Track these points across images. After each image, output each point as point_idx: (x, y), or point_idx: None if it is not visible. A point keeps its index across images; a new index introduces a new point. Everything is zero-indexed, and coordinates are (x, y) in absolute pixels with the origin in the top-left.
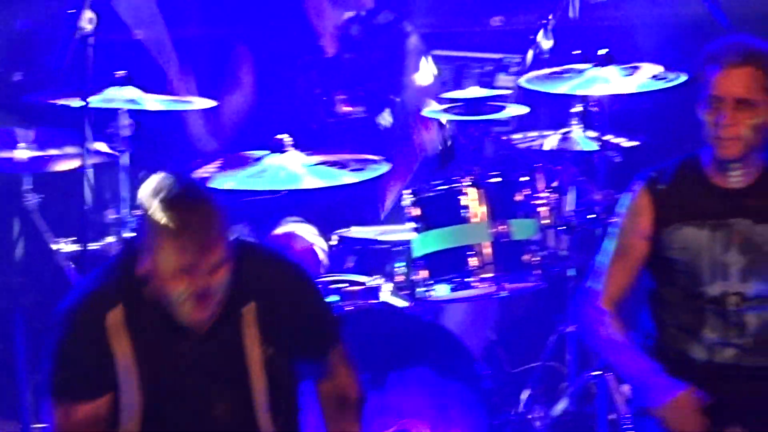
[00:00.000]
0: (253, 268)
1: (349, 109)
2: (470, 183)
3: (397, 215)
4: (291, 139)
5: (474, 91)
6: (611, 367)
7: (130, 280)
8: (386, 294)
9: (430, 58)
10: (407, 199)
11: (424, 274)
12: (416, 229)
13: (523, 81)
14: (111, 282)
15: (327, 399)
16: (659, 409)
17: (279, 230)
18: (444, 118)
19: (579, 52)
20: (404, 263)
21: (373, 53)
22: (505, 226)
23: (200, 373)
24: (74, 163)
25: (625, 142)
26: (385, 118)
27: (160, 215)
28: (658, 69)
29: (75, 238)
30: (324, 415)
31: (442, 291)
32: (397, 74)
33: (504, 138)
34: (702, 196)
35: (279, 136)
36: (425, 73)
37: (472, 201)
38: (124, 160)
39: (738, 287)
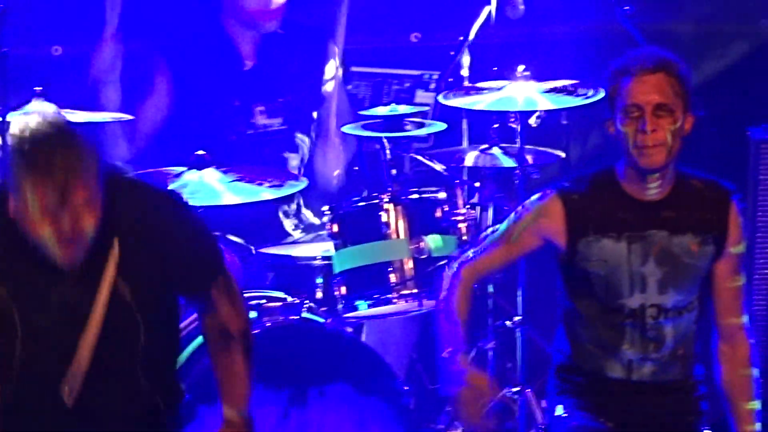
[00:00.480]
0: (124, 203)
1: (268, 120)
2: (389, 200)
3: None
4: (208, 155)
5: (393, 108)
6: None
7: (2, 219)
8: (306, 310)
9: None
10: (326, 215)
11: (343, 290)
12: (336, 246)
13: (441, 97)
14: None
15: (211, 333)
16: (452, 399)
17: None
18: (363, 134)
19: (497, 68)
20: (324, 279)
21: (292, 66)
22: (425, 243)
23: (73, 313)
24: None
25: (543, 159)
26: (302, 139)
27: (22, 155)
28: (575, 85)
29: None
30: (209, 350)
31: (362, 307)
32: (315, 88)
33: (423, 154)
34: (618, 209)
35: (198, 153)
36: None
37: (392, 217)
38: None
39: (656, 299)
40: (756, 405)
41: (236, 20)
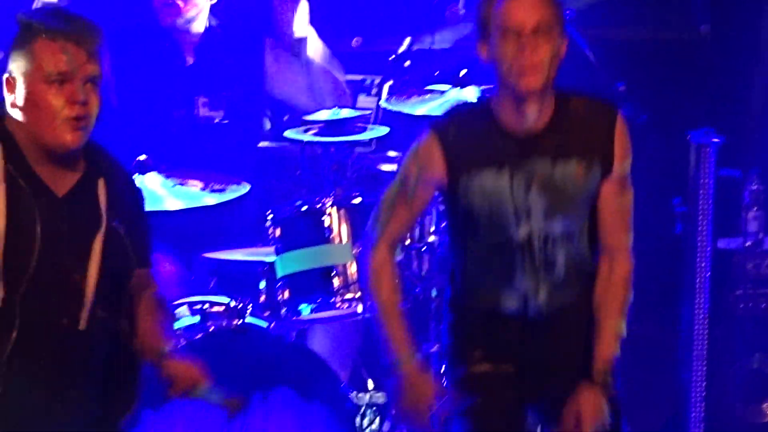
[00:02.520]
0: (105, 155)
1: (210, 113)
2: (332, 204)
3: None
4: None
5: (335, 112)
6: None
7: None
8: (248, 314)
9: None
10: (269, 220)
11: (287, 294)
12: (278, 250)
13: (383, 102)
14: None
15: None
16: (396, 402)
17: None
18: (305, 138)
19: (438, 72)
20: (267, 284)
21: (230, 61)
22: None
23: (60, 236)
24: None
25: None
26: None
27: (44, 24)
28: None
29: None
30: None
31: (305, 311)
32: (256, 83)
33: (365, 158)
34: (497, 141)
35: (140, 158)
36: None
37: (334, 221)
38: None
39: (543, 226)
40: (621, 327)
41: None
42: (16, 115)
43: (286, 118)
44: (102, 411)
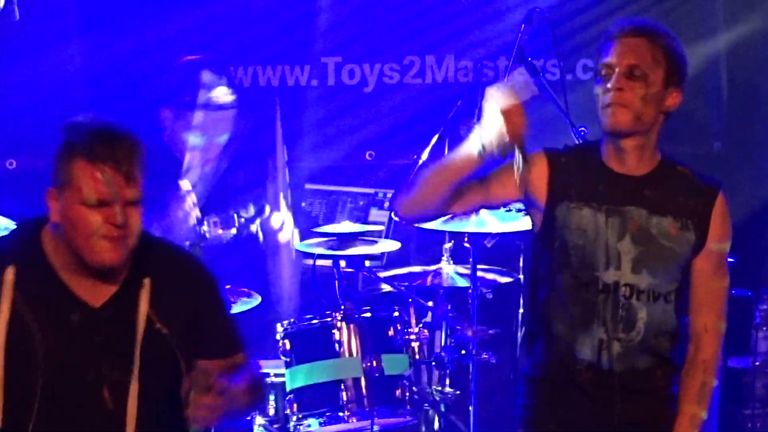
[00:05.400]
0: (156, 249)
1: (222, 231)
2: (342, 318)
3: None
4: None
5: (346, 226)
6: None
7: (27, 243)
8: (259, 426)
9: None
10: (280, 332)
11: (296, 407)
12: (288, 363)
13: (395, 216)
14: (6, 243)
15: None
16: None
17: None
18: (317, 251)
19: None
20: (276, 396)
21: (236, 181)
22: (377, 361)
23: (91, 346)
24: None
25: (497, 279)
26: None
27: (83, 145)
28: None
29: None
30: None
31: (314, 425)
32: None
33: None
34: (599, 180)
35: None
36: None
37: (344, 336)
38: None
39: (630, 278)
40: (698, 413)
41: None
42: (58, 248)
43: None
44: None
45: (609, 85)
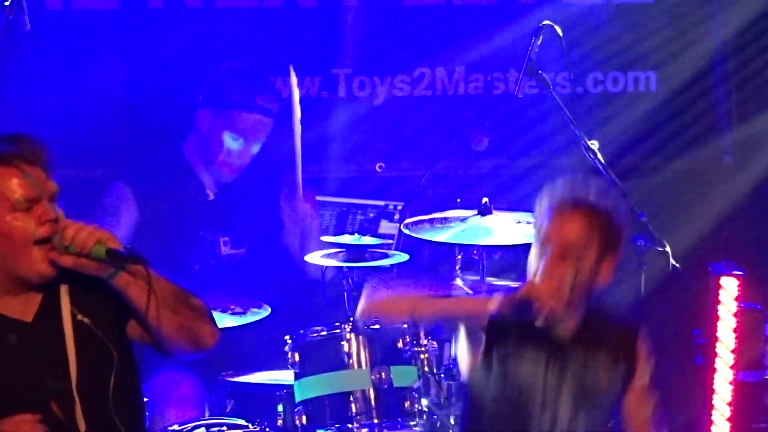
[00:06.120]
0: None
1: (232, 251)
2: (351, 329)
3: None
4: None
5: (356, 238)
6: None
7: None
8: None
9: None
10: (288, 344)
11: (304, 419)
12: (297, 375)
13: (405, 228)
14: None
15: None
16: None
17: None
18: (327, 263)
19: (460, 200)
20: (285, 408)
21: (251, 196)
22: (386, 373)
23: (31, 363)
24: None
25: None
26: None
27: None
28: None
29: None
30: None
31: None
32: (275, 216)
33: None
34: (537, 330)
35: None
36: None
37: (353, 347)
38: None
39: (567, 423)
40: None
41: (200, 160)
42: None
43: None
44: None
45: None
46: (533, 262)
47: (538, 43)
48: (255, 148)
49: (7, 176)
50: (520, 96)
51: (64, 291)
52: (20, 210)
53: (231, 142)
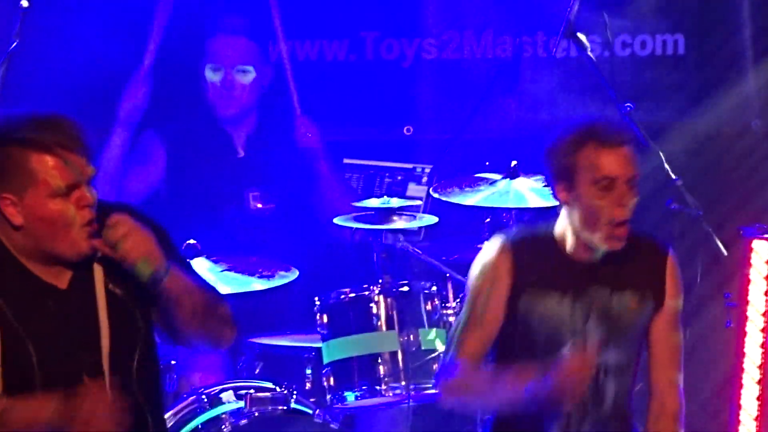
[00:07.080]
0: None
1: (261, 205)
2: (379, 291)
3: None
4: (198, 244)
5: (385, 200)
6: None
7: None
8: (294, 401)
9: None
10: (317, 306)
11: (332, 381)
12: (324, 337)
13: (433, 191)
14: None
15: None
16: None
17: None
18: (355, 225)
19: (489, 163)
20: (313, 370)
21: (279, 153)
22: (415, 335)
23: (67, 332)
24: None
25: None
26: None
27: (31, 140)
28: None
29: None
30: None
31: (350, 399)
32: (305, 172)
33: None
34: (560, 268)
35: (189, 242)
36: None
37: (382, 309)
38: None
39: (597, 358)
40: None
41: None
42: (15, 236)
43: None
44: None
45: (624, 201)
46: (589, 203)
47: (576, 6)
48: (242, 77)
49: (47, 163)
50: (557, 56)
51: (97, 261)
52: (59, 195)
53: (212, 74)
